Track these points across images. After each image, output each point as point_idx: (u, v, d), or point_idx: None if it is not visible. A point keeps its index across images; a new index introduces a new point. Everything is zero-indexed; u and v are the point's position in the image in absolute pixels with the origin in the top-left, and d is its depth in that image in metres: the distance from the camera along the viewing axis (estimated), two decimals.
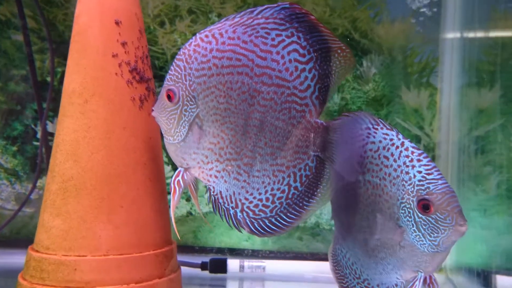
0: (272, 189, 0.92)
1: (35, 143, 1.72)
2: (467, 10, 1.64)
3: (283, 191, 0.92)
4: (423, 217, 0.88)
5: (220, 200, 0.92)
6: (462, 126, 1.64)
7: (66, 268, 0.92)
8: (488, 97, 1.59)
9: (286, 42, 0.89)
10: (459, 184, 1.65)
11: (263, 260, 1.52)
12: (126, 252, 0.95)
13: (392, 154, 0.91)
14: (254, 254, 1.72)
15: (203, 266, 1.48)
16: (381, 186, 0.91)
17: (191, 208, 1.74)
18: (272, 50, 0.89)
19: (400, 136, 0.92)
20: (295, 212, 0.92)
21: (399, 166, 0.90)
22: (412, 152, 0.90)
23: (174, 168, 1.69)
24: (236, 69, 0.88)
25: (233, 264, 1.49)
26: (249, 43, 0.88)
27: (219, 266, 1.49)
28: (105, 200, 0.95)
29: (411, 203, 0.89)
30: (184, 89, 0.89)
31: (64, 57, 1.72)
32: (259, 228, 0.92)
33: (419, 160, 0.89)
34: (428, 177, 0.88)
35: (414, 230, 0.89)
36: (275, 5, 0.89)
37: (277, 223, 0.92)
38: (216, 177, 0.92)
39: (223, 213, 0.93)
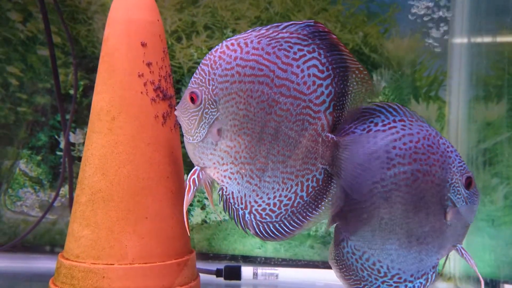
0: (280, 195, 0.95)
1: (58, 153, 1.80)
2: (474, 26, 1.68)
3: (289, 199, 0.96)
4: (469, 192, 1.02)
5: (231, 200, 0.96)
6: (470, 138, 1.67)
7: (95, 275, 0.99)
8: (495, 110, 1.63)
9: (307, 57, 0.93)
10: None
11: (276, 268, 1.57)
12: (151, 261, 1.02)
13: (433, 143, 1.00)
14: (267, 261, 1.77)
15: (217, 273, 1.54)
16: (432, 172, 0.99)
17: (205, 216, 1.80)
18: (293, 63, 0.93)
19: (430, 127, 1.03)
20: (298, 221, 0.96)
21: (442, 152, 1.01)
22: (444, 139, 1.03)
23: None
24: (258, 78, 0.92)
25: (247, 271, 1.54)
26: (272, 54, 0.93)
27: (233, 273, 1.54)
28: (131, 212, 1.02)
29: (459, 181, 1.01)
30: (206, 92, 0.94)
31: (87, 71, 1.81)
32: (263, 231, 0.96)
33: (450, 146, 1.03)
34: (461, 159, 1.04)
35: (464, 206, 1.01)
36: (301, 22, 0.94)
37: (280, 229, 0.96)
38: (230, 178, 0.96)
39: (232, 213, 0.96)
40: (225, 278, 1.54)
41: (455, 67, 1.71)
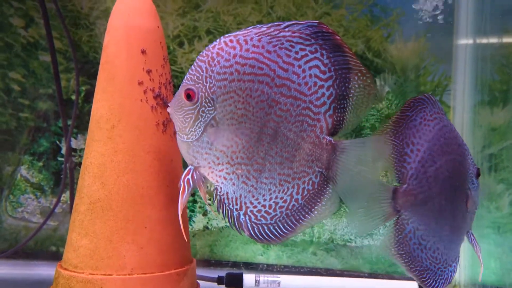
0: (276, 197, 0.93)
1: (60, 159, 1.80)
2: (479, 29, 1.66)
3: (285, 201, 0.94)
4: (477, 182, 1.10)
5: (226, 201, 0.94)
6: (475, 144, 1.66)
7: (93, 286, 0.97)
8: (501, 115, 1.61)
9: (309, 57, 0.91)
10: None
11: (278, 275, 1.55)
12: (150, 271, 1.00)
13: (457, 135, 1.09)
14: (269, 268, 1.76)
15: (219, 280, 1.52)
16: (462, 162, 1.07)
17: (207, 223, 1.79)
18: (295, 63, 0.91)
19: None
20: (291, 224, 0.94)
21: (461, 143, 1.08)
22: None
23: None
24: (258, 77, 0.90)
25: (248, 278, 1.53)
26: (272, 53, 0.90)
27: (235, 281, 1.52)
28: (130, 221, 1.01)
29: (473, 172, 1.10)
30: (204, 90, 0.91)
31: (88, 76, 1.81)
32: (257, 233, 0.94)
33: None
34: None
35: (475, 194, 1.10)
36: (303, 21, 0.91)
37: (275, 232, 0.94)
38: (225, 178, 0.93)
39: (226, 213, 0.94)
40: (227, 286, 1.52)
41: (460, 71, 1.70)
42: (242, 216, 0.94)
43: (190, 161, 0.95)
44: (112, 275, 0.98)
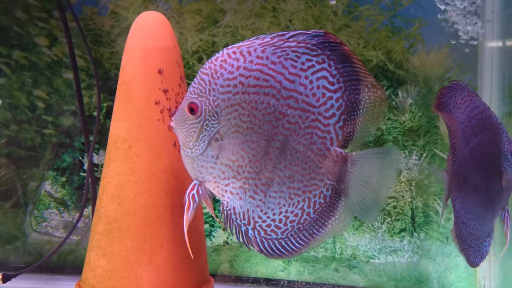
0: (286, 211, 0.91)
1: (82, 174, 1.83)
2: (507, 38, 1.60)
3: (296, 215, 0.91)
4: None
5: (233, 216, 0.92)
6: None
7: None
8: None
9: (316, 68, 0.88)
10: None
11: None
12: None
13: (490, 115, 1.13)
14: (290, 285, 1.73)
15: None
16: (495, 140, 1.12)
17: (227, 238, 1.77)
18: (301, 74, 0.88)
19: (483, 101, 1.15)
20: (304, 239, 0.91)
21: (496, 123, 1.13)
22: (493, 112, 1.15)
23: None
24: (263, 89, 0.88)
25: None
26: (277, 64, 0.87)
27: None
28: (147, 242, 1.01)
29: (508, 149, 1.14)
30: (207, 103, 0.89)
31: (110, 92, 1.84)
32: (268, 248, 0.91)
33: (498, 118, 1.15)
34: (505, 129, 1.16)
35: (511, 171, 1.14)
36: (309, 31, 0.88)
37: (286, 246, 0.91)
38: (231, 193, 0.91)
39: (234, 229, 0.92)
40: None
41: (486, 82, 1.64)
42: (250, 231, 0.91)
43: (195, 176, 0.93)
44: None
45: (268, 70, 0.88)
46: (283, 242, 0.91)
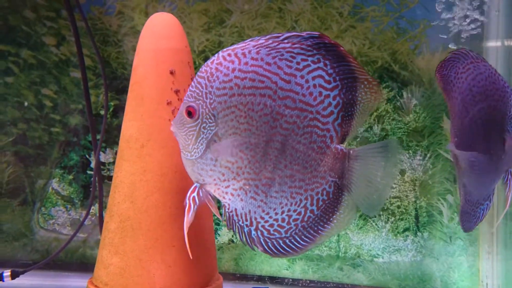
0: (289, 210, 0.91)
1: (89, 172, 1.84)
2: (510, 40, 1.62)
3: (299, 213, 0.92)
4: None
5: (235, 217, 0.92)
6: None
7: None
8: None
9: (312, 68, 0.89)
10: (506, 217, 1.62)
11: None
12: None
13: (496, 79, 1.12)
14: (295, 283, 1.75)
15: None
16: (498, 106, 1.11)
17: (232, 236, 1.79)
18: (297, 73, 0.89)
19: (490, 65, 1.13)
20: (310, 236, 0.92)
21: (502, 87, 1.12)
22: (501, 76, 1.14)
23: None
24: (259, 90, 0.88)
25: None
26: (272, 65, 0.88)
27: None
28: (159, 240, 1.02)
29: None
30: (204, 106, 0.90)
31: (116, 91, 1.85)
32: (272, 248, 0.92)
33: (506, 81, 1.13)
34: None
35: None
36: (304, 33, 0.88)
37: (291, 245, 0.92)
38: (232, 194, 0.92)
39: (237, 230, 0.92)
40: None
41: None
42: (253, 232, 0.92)
43: (196, 179, 0.94)
44: None
45: (263, 71, 0.88)
46: (287, 241, 0.92)
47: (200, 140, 0.91)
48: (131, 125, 1.09)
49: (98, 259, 1.09)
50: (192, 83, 0.91)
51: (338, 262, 1.73)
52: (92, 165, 1.83)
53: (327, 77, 0.89)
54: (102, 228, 1.70)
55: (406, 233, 1.68)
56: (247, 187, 0.91)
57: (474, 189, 1.14)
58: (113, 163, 1.84)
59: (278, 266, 1.75)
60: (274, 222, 0.92)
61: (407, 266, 1.68)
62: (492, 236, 1.62)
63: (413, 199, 1.69)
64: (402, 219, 1.69)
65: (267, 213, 0.92)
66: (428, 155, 1.68)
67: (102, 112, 1.80)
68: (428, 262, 1.66)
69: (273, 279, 1.76)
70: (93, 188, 1.73)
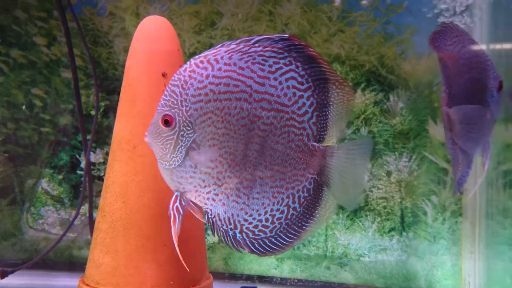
0: (272, 210, 0.93)
1: (79, 172, 1.85)
2: (492, 43, 1.67)
3: (282, 212, 0.93)
4: (499, 94, 1.20)
5: (219, 222, 0.93)
6: (490, 160, 1.66)
7: None
8: None
9: (284, 70, 0.90)
10: (487, 217, 1.67)
11: None
12: None
13: (478, 53, 1.18)
14: (283, 282, 1.77)
15: None
16: (480, 78, 1.17)
17: None
18: (270, 76, 0.90)
19: (472, 39, 1.20)
20: (294, 232, 0.94)
21: (483, 61, 1.18)
22: (482, 50, 1.20)
23: None
24: (234, 95, 0.89)
25: None
26: (246, 69, 0.89)
27: None
28: (151, 240, 1.04)
29: (493, 85, 1.19)
30: (181, 114, 0.90)
31: (107, 92, 1.86)
32: (259, 247, 0.93)
33: (487, 55, 1.20)
34: (493, 64, 1.20)
35: (496, 106, 1.20)
36: (274, 35, 0.89)
37: (277, 243, 0.93)
38: (214, 200, 0.93)
39: (221, 235, 0.93)
40: None
41: None
42: (238, 235, 0.93)
43: (175, 188, 0.94)
44: None
45: (237, 76, 0.89)
46: (273, 240, 0.94)
47: (179, 148, 0.91)
48: (124, 127, 1.11)
49: (89, 258, 1.10)
50: (165, 92, 0.91)
51: (326, 262, 1.77)
52: (82, 165, 1.83)
53: (299, 79, 0.91)
54: (92, 228, 1.71)
55: (392, 233, 1.72)
56: (229, 191, 0.92)
57: (464, 145, 1.19)
58: (104, 163, 1.85)
59: (267, 266, 1.78)
60: (258, 223, 0.93)
61: (392, 265, 1.72)
62: (475, 235, 1.67)
63: (399, 200, 1.73)
64: (388, 219, 1.73)
65: (251, 215, 0.93)
66: (414, 157, 1.73)
67: (93, 113, 1.81)
68: (412, 261, 1.71)
69: (261, 278, 1.78)
70: (83, 188, 1.74)
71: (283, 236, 0.94)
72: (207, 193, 0.92)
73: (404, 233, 1.71)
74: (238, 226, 0.93)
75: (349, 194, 0.95)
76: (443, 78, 1.19)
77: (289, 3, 1.77)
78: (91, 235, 1.69)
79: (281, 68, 0.90)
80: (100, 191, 1.82)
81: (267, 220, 0.93)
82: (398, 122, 1.74)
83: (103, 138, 1.83)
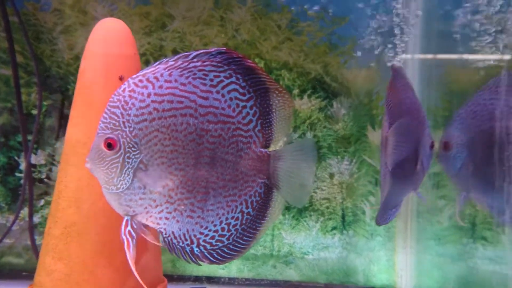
0: (227, 219, 0.94)
1: (18, 174, 1.75)
2: (426, 53, 1.83)
3: (237, 219, 0.95)
4: (430, 152, 1.31)
5: (174, 241, 0.93)
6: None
7: None
8: None
9: (225, 83, 0.92)
10: (418, 215, 1.83)
11: None
12: None
13: (418, 107, 1.29)
14: (231, 282, 1.81)
15: None
16: (419, 132, 1.26)
17: None
18: (212, 90, 0.92)
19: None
20: (250, 235, 0.97)
21: (422, 118, 1.30)
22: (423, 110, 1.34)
23: None
24: (179, 111, 0.90)
25: None
26: (188, 85, 0.90)
27: None
28: (107, 245, 1.03)
29: (427, 142, 1.30)
30: (124, 136, 0.89)
31: (50, 91, 1.78)
32: (218, 257, 0.94)
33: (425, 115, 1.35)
34: (428, 125, 1.34)
35: (426, 161, 1.29)
36: (211, 49, 0.91)
37: (235, 248, 0.95)
38: (167, 218, 0.92)
39: (179, 253, 0.93)
40: None
41: None
42: (196, 249, 0.93)
43: (125, 212, 0.92)
44: None
45: (180, 92, 0.90)
46: (231, 246, 0.95)
47: (126, 170, 0.90)
48: (78, 130, 1.09)
49: (39, 266, 1.07)
50: (104, 115, 0.90)
51: (272, 260, 1.83)
52: (22, 167, 1.74)
53: (241, 90, 0.94)
54: (32, 233, 1.64)
55: (334, 231, 1.83)
56: (182, 207, 0.91)
57: (393, 191, 1.26)
58: (45, 165, 1.76)
59: (215, 267, 1.81)
60: (215, 233, 0.94)
61: (334, 262, 1.82)
62: (407, 232, 1.82)
63: (340, 200, 1.84)
64: (330, 219, 1.84)
65: (206, 227, 0.94)
66: (354, 160, 1.84)
67: (33, 112, 1.72)
68: (352, 257, 1.82)
69: (210, 279, 1.81)
70: (22, 191, 1.65)
71: (240, 241, 0.96)
72: (159, 212, 0.91)
73: (344, 232, 1.82)
74: (195, 240, 0.93)
75: (297, 193, 1.00)
76: (386, 110, 1.26)
77: (240, 10, 1.81)
78: (32, 241, 1.62)
79: (222, 81, 0.92)
80: (41, 194, 1.75)
81: (223, 229, 0.95)
82: (341, 127, 1.85)
83: (44, 138, 1.75)
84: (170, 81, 0.89)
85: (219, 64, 0.91)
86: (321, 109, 1.84)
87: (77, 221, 1.04)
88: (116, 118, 0.89)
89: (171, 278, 1.79)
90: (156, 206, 0.91)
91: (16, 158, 1.75)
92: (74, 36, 1.75)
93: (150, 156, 0.90)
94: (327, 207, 1.83)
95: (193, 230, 0.93)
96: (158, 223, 0.92)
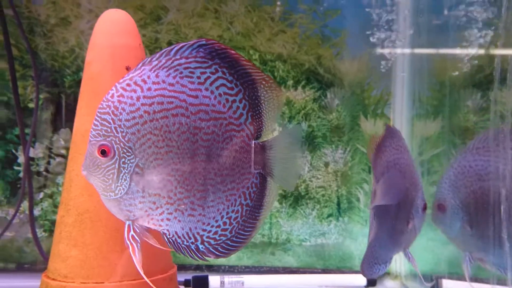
0: (228, 213, 0.96)
1: (16, 168, 1.75)
2: (415, 47, 1.89)
3: (237, 212, 0.97)
4: (423, 213, 1.28)
5: (179, 240, 0.93)
6: (411, 151, 1.87)
7: None
8: (432, 127, 1.84)
9: (212, 78, 0.92)
10: None
11: (241, 275, 1.66)
12: (139, 278, 1.05)
13: (412, 170, 1.26)
14: (231, 269, 1.85)
15: (186, 283, 1.58)
16: (413, 193, 1.24)
17: None
18: (201, 87, 0.92)
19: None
20: (251, 225, 0.99)
21: (416, 180, 1.27)
22: (417, 170, 1.30)
23: None
24: (170, 111, 0.89)
25: (214, 280, 1.61)
26: (176, 84, 0.89)
27: (201, 283, 1.60)
28: (119, 231, 1.05)
29: (420, 204, 1.27)
30: (117, 141, 0.88)
31: (46, 84, 1.77)
32: (223, 250, 0.95)
33: (420, 177, 1.33)
34: (422, 188, 1.30)
35: (418, 222, 1.28)
36: (192, 42, 0.90)
37: (239, 240, 0.97)
38: (168, 219, 0.92)
39: (185, 251, 0.93)
40: None
41: (399, 88, 1.91)
42: (201, 246, 0.94)
43: (126, 217, 0.92)
44: (103, 283, 1.02)
45: (169, 93, 0.89)
46: (234, 238, 0.97)
47: (122, 176, 0.89)
48: (87, 120, 1.10)
49: (53, 253, 1.08)
50: (95, 122, 0.89)
51: (271, 248, 1.88)
52: (20, 160, 1.73)
53: (229, 84, 0.94)
54: (33, 225, 1.64)
55: (330, 218, 1.88)
56: (183, 206, 0.91)
57: (380, 248, 1.23)
58: (43, 158, 1.76)
59: None
60: (217, 229, 0.95)
61: (330, 248, 1.88)
62: None
63: (336, 188, 1.89)
64: (326, 206, 1.89)
65: (208, 224, 0.94)
66: (348, 149, 1.90)
67: (30, 105, 1.72)
68: (348, 243, 1.88)
69: (210, 267, 1.84)
70: (22, 184, 1.65)
71: (242, 232, 0.98)
72: (160, 214, 0.92)
73: (340, 218, 1.88)
74: (199, 238, 0.94)
75: (289, 178, 1.03)
76: (373, 172, 1.25)
77: (234, 2, 1.84)
78: (33, 233, 1.62)
79: (209, 77, 0.92)
80: (40, 187, 1.75)
81: (225, 223, 0.96)
82: (335, 117, 1.90)
83: (41, 131, 1.75)
84: (158, 83, 0.89)
85: (204, 60, 0.90)
86: (315, 99, 1.88)
87: (89, 208, 1.06)
88: (107, 124, 0.88)
89: None
90: (157, 208, 0.91)
91: (13, 151, 1.75)
92: (69, 29, 1.75)
93: (145, 159, 0.89)
94: (323, 195, 1.88)
95: (195, 228, 0.93)
96: (160, 225, 0.93)
